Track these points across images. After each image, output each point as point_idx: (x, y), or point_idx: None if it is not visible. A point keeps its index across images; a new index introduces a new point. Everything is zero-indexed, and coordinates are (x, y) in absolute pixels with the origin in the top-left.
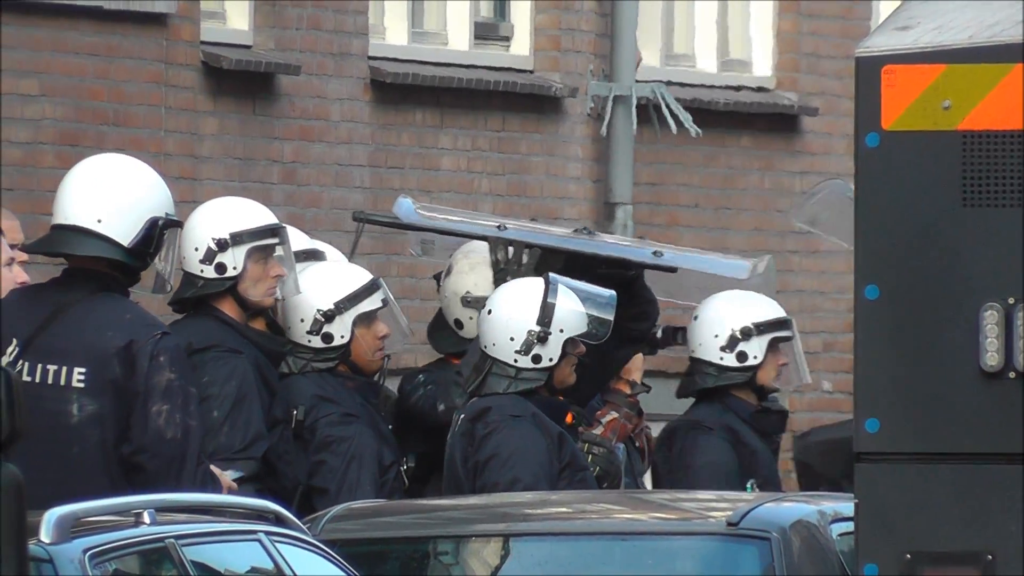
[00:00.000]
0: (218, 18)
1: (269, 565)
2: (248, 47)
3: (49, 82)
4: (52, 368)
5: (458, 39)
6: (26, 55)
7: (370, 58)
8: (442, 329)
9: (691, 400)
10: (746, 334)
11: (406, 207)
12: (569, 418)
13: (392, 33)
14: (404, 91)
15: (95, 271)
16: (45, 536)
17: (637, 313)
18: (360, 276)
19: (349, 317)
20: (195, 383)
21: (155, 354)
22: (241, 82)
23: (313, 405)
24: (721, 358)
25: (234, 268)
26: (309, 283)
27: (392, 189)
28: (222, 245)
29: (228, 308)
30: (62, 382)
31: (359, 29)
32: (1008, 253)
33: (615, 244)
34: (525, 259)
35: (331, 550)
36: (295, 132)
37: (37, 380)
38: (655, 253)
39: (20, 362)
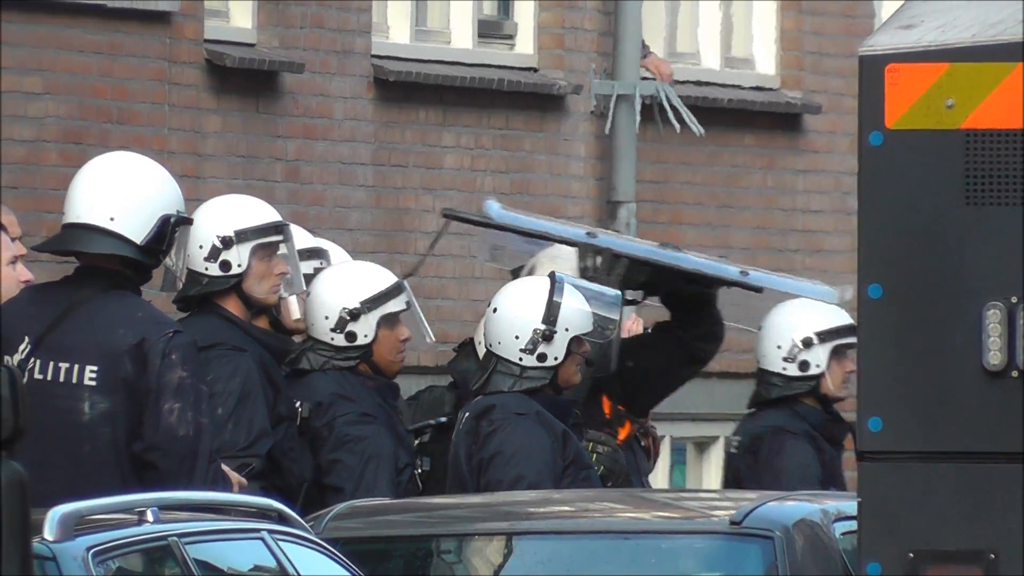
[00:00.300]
0: (222, 16)
1: (272, 563)
2: (252, 45)
3: (53, 80)
4: (64, 366)
5: (461, 37)
6: (29, 52)
7: (373, 56)
8: None
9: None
10: (807, 343)
11: (497, 208)
12: (627, 429)
13: (395, 31)
14: (407, 89)
15: (107, 269)
16: (49, 534)
17: (706, 333)
18: (386, 277)
19: (374, 317)
20: (205, 381)
21: (167, 352)
22: (244, 80)
23: (331, 403)
24: (784, 368)
25: (239, 266)
26: (336, 281)
27: (395, 187)
28: (227, 243)
29: (232, 306)
30: (74, 380)
31: (362, 27)
32: (1011, 252)
33: (703, 260)
34: (612, 268)
35: (334, 548)
36: (298, 130)
37: (49, 378)
38: (742, 272)
39: (32, 360)
